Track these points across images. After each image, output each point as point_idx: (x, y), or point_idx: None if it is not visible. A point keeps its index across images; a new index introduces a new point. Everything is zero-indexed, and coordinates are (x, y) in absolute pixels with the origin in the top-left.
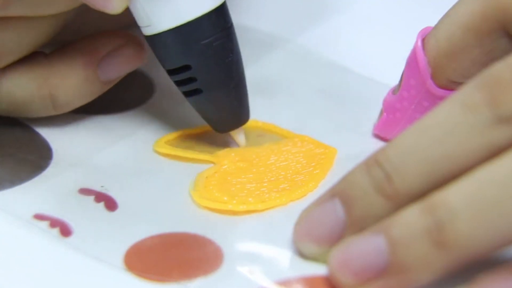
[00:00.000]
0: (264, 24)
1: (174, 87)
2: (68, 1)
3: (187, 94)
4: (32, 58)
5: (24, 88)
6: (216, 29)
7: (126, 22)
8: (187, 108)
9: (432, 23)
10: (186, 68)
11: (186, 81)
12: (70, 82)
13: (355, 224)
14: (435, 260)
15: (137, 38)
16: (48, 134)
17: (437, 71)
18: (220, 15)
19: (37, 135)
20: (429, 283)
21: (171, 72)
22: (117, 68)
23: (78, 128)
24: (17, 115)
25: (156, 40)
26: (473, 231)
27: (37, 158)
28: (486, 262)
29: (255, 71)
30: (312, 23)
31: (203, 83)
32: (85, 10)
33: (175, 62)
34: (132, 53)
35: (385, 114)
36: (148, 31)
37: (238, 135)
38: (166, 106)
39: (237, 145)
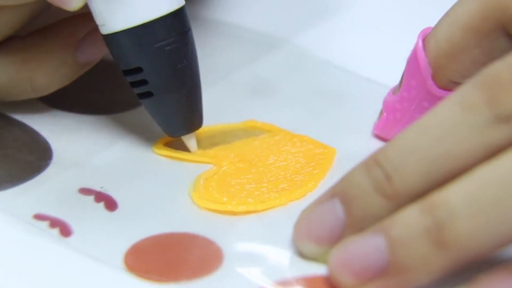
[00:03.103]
0: (262, 24)
1: None
2: None
3: (139, 96)
4: (9, 42)
5: (2, 72)
6: (171, 33)
7: None
8: None
9: (432, 23)
10: (139, 70)
11: (138, 83)
12: (49, 64)
13: (355, 224)
14: (435, 260)
15: None
16: (48, 134)
17: (438, 71)
18: (176, 20)
19: (37, 135)
20: (429, 283)
21: (124, 73)
22: (95, 50)
23: (78, 128)
24: None
25: (110, 39)
26: (472, 231)
27: (37, 158)
28: (486, 262)
29: (254, 72)
30: (311, 24)
31: (154, 87)
32: None
33: (127, 63)
34: None
35: (385, 114)
36: (103, 30)
37: (189, 141)
38: None
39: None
